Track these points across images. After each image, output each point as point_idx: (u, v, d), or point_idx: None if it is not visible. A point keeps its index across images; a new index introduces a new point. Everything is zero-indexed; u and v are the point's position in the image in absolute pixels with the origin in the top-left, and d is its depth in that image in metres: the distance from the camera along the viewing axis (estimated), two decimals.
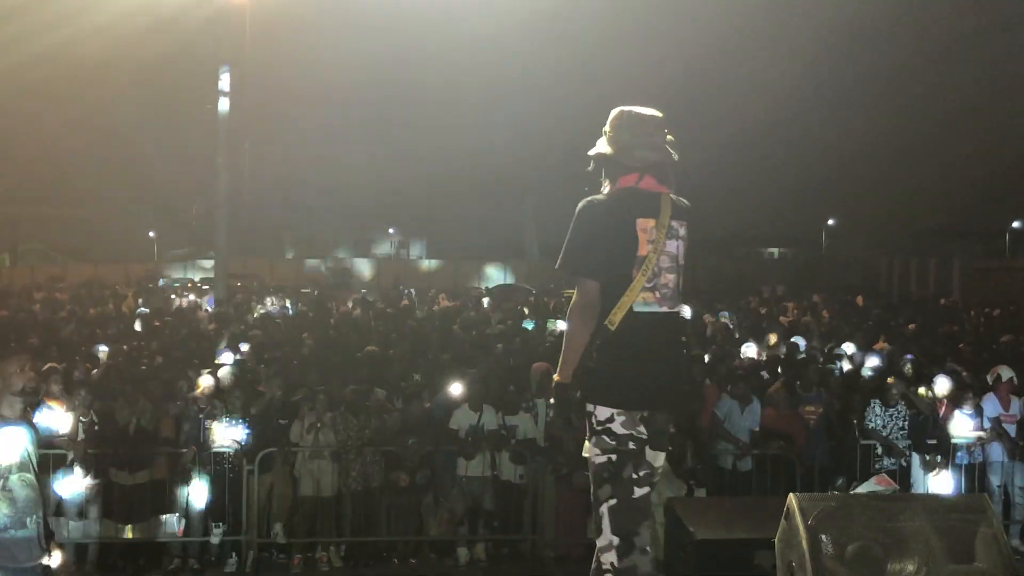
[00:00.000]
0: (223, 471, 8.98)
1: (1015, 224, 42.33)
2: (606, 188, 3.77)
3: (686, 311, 3.70)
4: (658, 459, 3.69)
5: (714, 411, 9.64)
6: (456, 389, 9.82)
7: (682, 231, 3.70)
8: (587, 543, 9.25)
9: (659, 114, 3.78)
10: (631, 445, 3.59)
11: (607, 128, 3.78)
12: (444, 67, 24.84)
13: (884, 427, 9.37)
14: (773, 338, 14.44)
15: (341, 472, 9.20)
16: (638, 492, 3.62)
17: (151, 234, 55.05)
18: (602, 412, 3.61)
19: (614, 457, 3.60)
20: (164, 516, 8.98)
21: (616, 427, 3.59)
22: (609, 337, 3.59)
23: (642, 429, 3.61)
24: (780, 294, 27.37)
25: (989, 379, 9.82)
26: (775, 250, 54.13)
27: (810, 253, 47.77)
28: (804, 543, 3.89)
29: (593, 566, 3.77)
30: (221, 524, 8.98)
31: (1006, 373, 9.73)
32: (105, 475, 8.76)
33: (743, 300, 24.81)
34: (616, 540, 3.58)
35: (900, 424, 9.38)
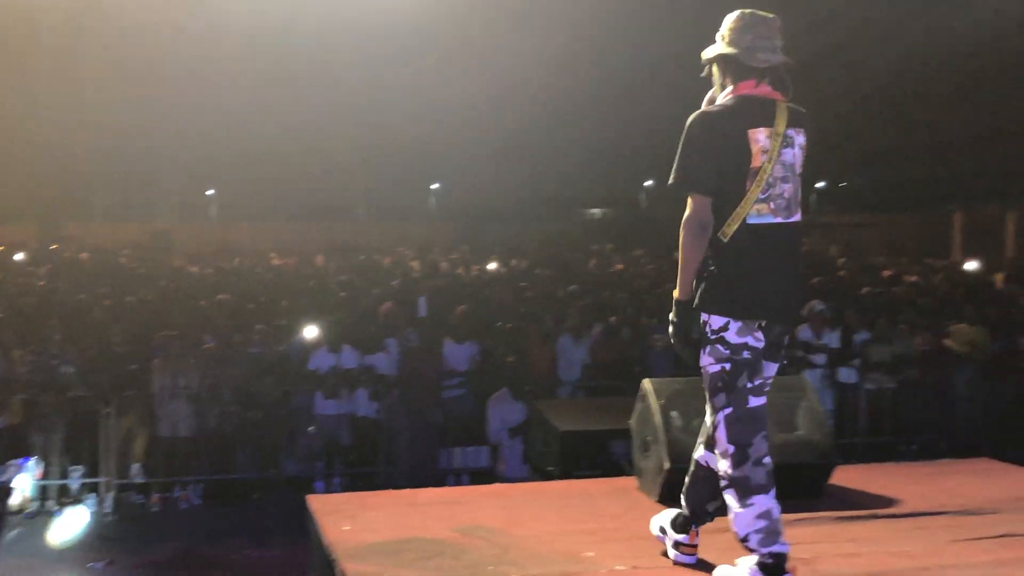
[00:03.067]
0: (80, 414, 9.10)
1: (818, 184, 45.13)
2: (720, 94, 3.68)
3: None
4: (770, 370, 3.63)
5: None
6: (312, 332, 10.19)
7: (799, 139, 3.60)
8: (438, 474, 9.88)
9: (777, 18, 3.66)
10: (745, 354, 3.51)
11: (724, 32, 3.65)
12: (275, 26, 24.52)
13: None
14: None
15: (198, 413, 9.45)
16: (754, 402, 3.54)
17: None
18: (716, 321, 3.53)
19: (728, 366, 3.53)
20: (20, 460, 9.03)
21: (730, 336, 3.52)
22: (722, 248, 3.52)
23: (759, 336, 3.54)
24: (610, 251, 28.56)
25: (804, 312, 10.85)
26: (597, 210, 55.52)
27: (631, 213, 49.55)
28: (657, 419, 4.54)
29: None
30: (79, 466, 9.11)
31: (818, 306, 10.76)
32: None
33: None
34: (732, 449, 3.51)
35: None
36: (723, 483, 3.55)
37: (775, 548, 3.44)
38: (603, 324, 10.95)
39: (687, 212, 3.56)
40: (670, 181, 3.61)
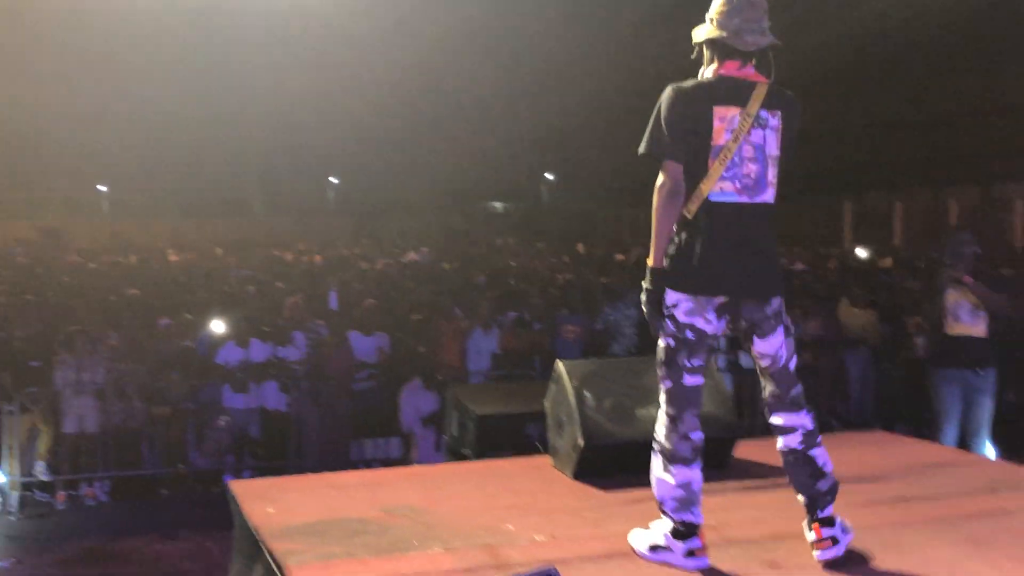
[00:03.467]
0: None
1: None
2: (707, 73, 3.72)
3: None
4: (761, 346, 3.70)
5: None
6: (219, 326, 10.14)
7: (773, 121, 3.63)
8: (349, 466, 9.91)
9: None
10: (689, 334, 3.60)
11: (713, 14, 3.69)
12: (168, 19, 24.03)
13: None
14: None
15: (104, 409, 9.34)
16: (689, 380, 3.63)
17: None
18: (670, 297, 3.60)
19: (672, 343, 3.63)
20: None
21: (678, 313, 3.60)
22: (685, 225, 3.61)
23: (711, 318, 3.61)
24: (512, 244, 28.84)
25: None
26: (499, 204, 55.75)
27: (531, 206, 49.93)
28: (571, 399, 4.72)
29: None
30: None
31: None
32: None
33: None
34: (665, 419, 3.66)
35: None
36: (654, 447, 3.72)
37: (686, 517, 3.63)
38: (512, 315, 11.14)
39: (658, 179, 3.61)
40: (640, 150, 3.68)
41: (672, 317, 3.62)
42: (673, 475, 3.64)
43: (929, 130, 24.74)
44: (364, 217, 41.24)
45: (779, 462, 4.63)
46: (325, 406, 9.83)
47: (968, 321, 6.96)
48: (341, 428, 9.90)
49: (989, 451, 7.02)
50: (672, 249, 3.62)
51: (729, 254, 3.59)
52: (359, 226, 38.53)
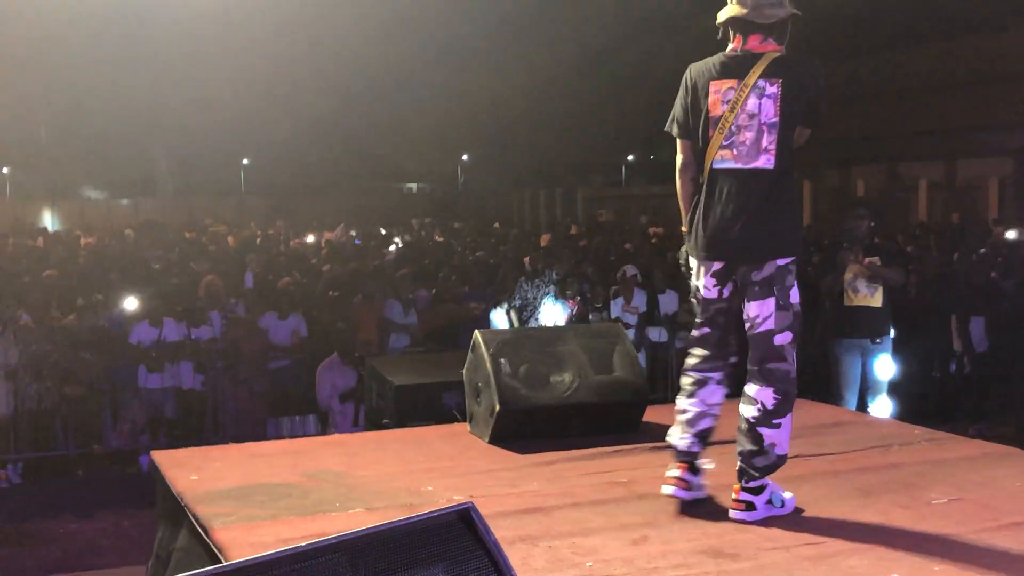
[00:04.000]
0: None
1: (629, 158, 46.70)
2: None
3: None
4: (748, 308, 3.85)
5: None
6: (132, 305, 10.06)
7: (771, 89, 3.79)
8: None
9: None
10: (700, 293, 3.96)
11: None
12: (70, 8, 23.46)
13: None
14: None
15: (16, 390, 9.22)
16: (695, 332, 4.02)
17: None
18: (691, 260, 4.01)
19: (693, 301, 4.06)
20: None
21: (694, 276, 3.98)
22: (698, 193, 3.94)
23: (708, 284, 3.90)
24: (429, 223, 28.90)
25: (617, 276, 11.36)
26: (414, 185, 55.64)
27: (447, 187, 50.00)
28: (488, 366, 4.86)
29: None
30: None
31: (630, 271, 11.30)
32: None
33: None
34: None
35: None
36: None
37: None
38: (429, 292, 11.23)
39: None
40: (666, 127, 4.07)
41: (690, 278, 4.02)
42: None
43: (837, 112, 25.41)
44: (278, 198, 40.84)
45: None
46: (241, 385, 9.82)
47: (865, 293, 7.28)
48: (257, 407, 9.91)
49: (885, 412, 7.37)
50: (690, 216, 3.96)
51: (726, 220, 3.85)
52: (272, 207, 38.16)
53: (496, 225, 28.41)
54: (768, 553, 3.41)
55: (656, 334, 11.10)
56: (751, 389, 3.89)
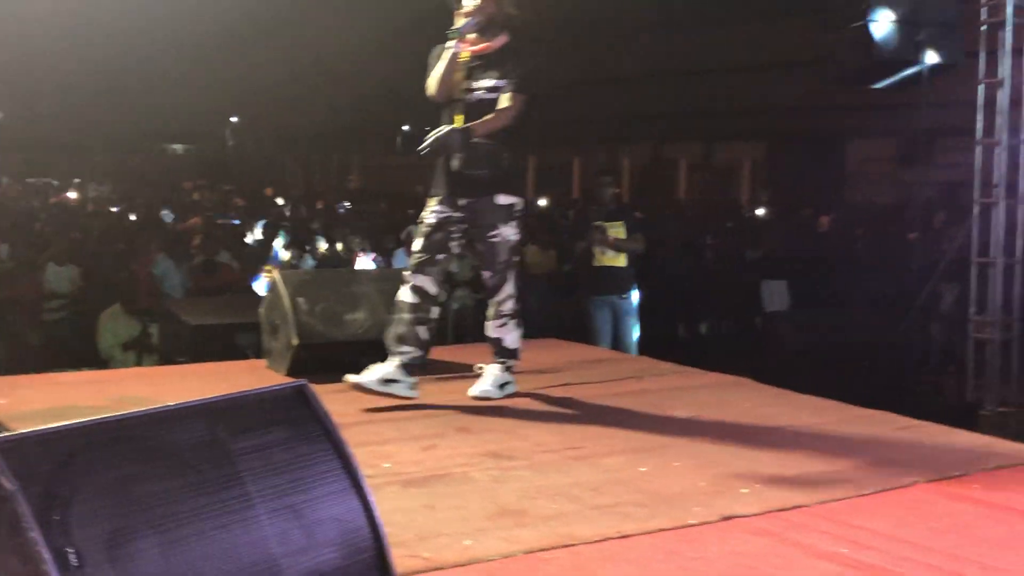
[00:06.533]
0: None
1: (405, 127, 46.94)
2: None
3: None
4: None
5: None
6: None
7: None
8: None
9: None
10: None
11: None
12: None
13: None
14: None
15: None
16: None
17: None
18: None
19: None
20: None
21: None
22: None
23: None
24: (200, 185, 28.37)
25: (401, 236, 11.82)
26: (179, 146, 53.96)
27: (216, 149, 48.70)
28: (286, 303, 5.21)
29: None
30: None
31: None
32: None
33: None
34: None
35: None
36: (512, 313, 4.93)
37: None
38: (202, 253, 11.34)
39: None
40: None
41: None
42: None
43: (604, 91, 26.61)
44: (32, 153, 38.74)
45: (469, 359, 5.43)
46: (12, 337, 9.65)
47: (611, 254, 8.07)
48: (31, 359, 9.76)
49: None
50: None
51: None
52: (27, 163, 36.24)
53: (268, 192, 28.20)
54: (540, 455, 3.97)
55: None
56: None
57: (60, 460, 2.03)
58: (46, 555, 1.83)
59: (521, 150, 4.93)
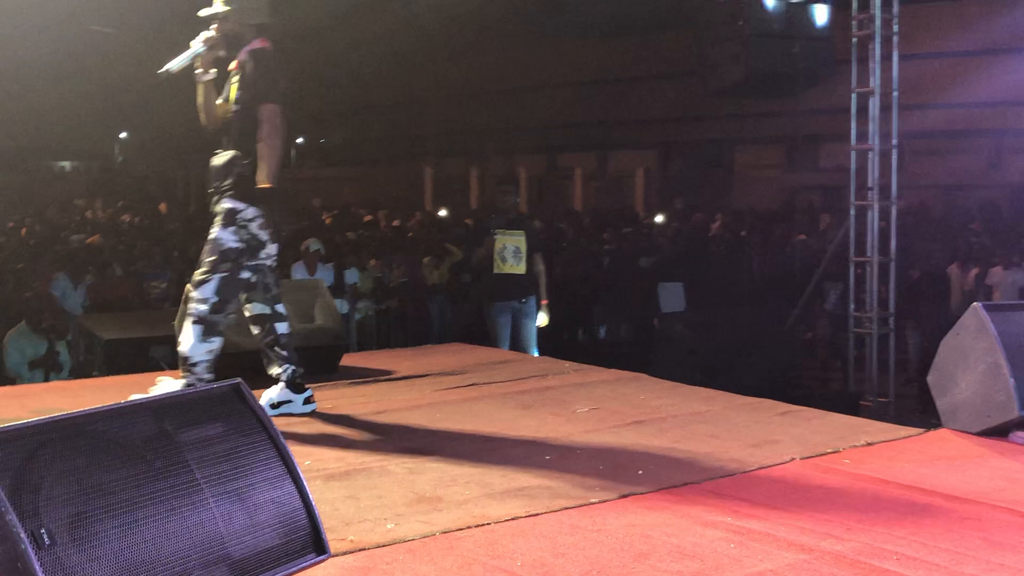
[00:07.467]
0: None
1: (299, 140, 46.81)
2: None
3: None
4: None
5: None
6: None
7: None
8: None
9: None
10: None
11: None
12: None
13: None
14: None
15: None
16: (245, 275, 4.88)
17: None
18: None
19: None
20: None
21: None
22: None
23: None
24: (87, 202, 27.90)
25: (301, 248, 11.87)
26: (67, 163, 52.75)
27: (105, 166, 47.80)
28: None
29: None
30: None
31: (314, 245, 11.85)
32: None
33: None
34: (216, 299, 4.79)
35: None
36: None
37: (207, 375, 4.70)
38: (97, 270, 11.34)
39: None
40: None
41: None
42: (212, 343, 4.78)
43: (500, 103, 27.06)
44: None
45: (379, 365, 5.68)
46: None
47: (512, 262, 8.35)
48: None
49: None
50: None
51: None
52: None
53: (162, 207, 27.85)
54: (452, 448, 4.25)
55: (339, 305, 11.82)
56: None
57: (28, 453, 2.24)
58: (23, 535, 2.05)
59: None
